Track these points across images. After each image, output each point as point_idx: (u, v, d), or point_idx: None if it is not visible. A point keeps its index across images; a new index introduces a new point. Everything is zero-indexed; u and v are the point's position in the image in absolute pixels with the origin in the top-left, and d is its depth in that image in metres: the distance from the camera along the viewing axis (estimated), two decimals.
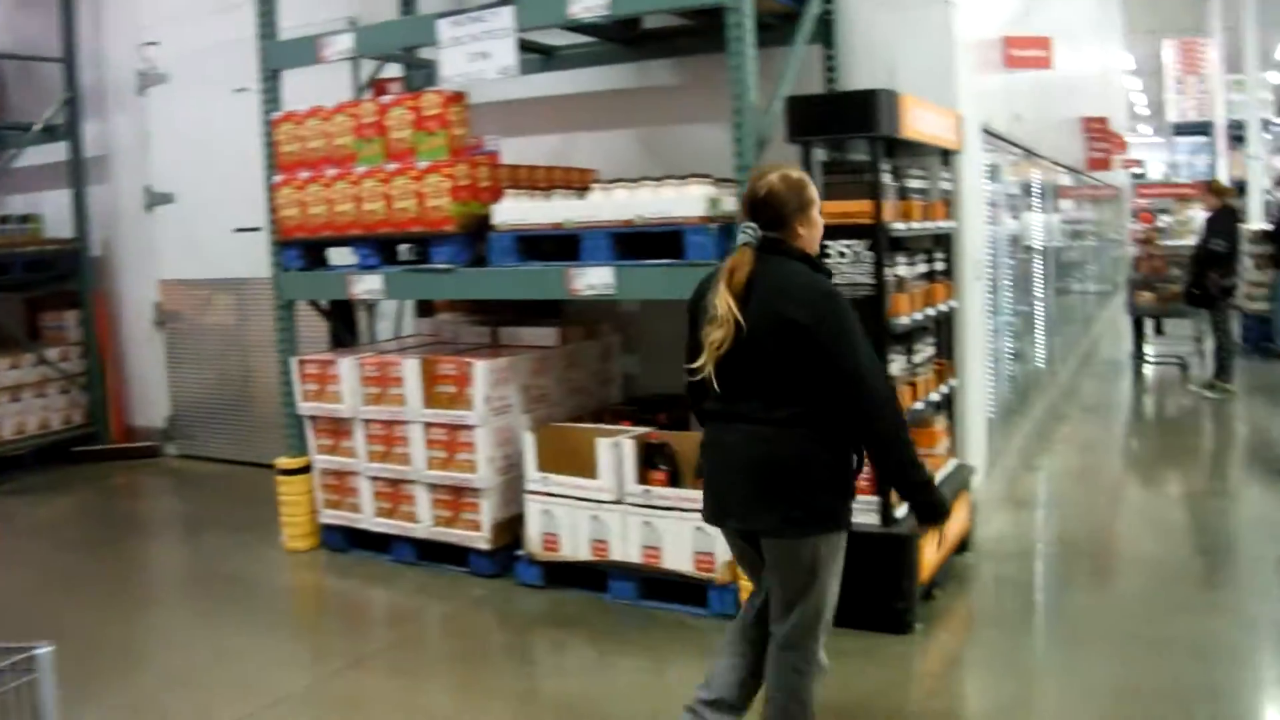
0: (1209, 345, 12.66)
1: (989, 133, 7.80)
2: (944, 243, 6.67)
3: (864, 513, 5.74)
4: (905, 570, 5.74)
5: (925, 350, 6.35)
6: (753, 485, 3.76)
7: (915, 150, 6.46)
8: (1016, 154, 9.06)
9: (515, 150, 7.66)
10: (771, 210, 3.83)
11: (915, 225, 6.02)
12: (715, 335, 3.74)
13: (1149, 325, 14.53)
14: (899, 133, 5.68)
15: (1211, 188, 12.64)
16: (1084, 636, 5.64)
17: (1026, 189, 10.03)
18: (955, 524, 6.47)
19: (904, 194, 5.99)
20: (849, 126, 5.68)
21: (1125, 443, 10.62)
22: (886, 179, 5.73)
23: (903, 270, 5.93)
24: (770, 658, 3.94)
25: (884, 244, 5.60)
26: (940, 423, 6.60)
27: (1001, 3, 8.86)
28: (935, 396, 6.35)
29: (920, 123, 5.97)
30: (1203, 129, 33.69)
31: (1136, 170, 45.54)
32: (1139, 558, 7.03)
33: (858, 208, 5.60)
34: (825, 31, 6.95)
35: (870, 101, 5.60)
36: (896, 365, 5.84)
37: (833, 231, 5.63)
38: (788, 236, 3.84)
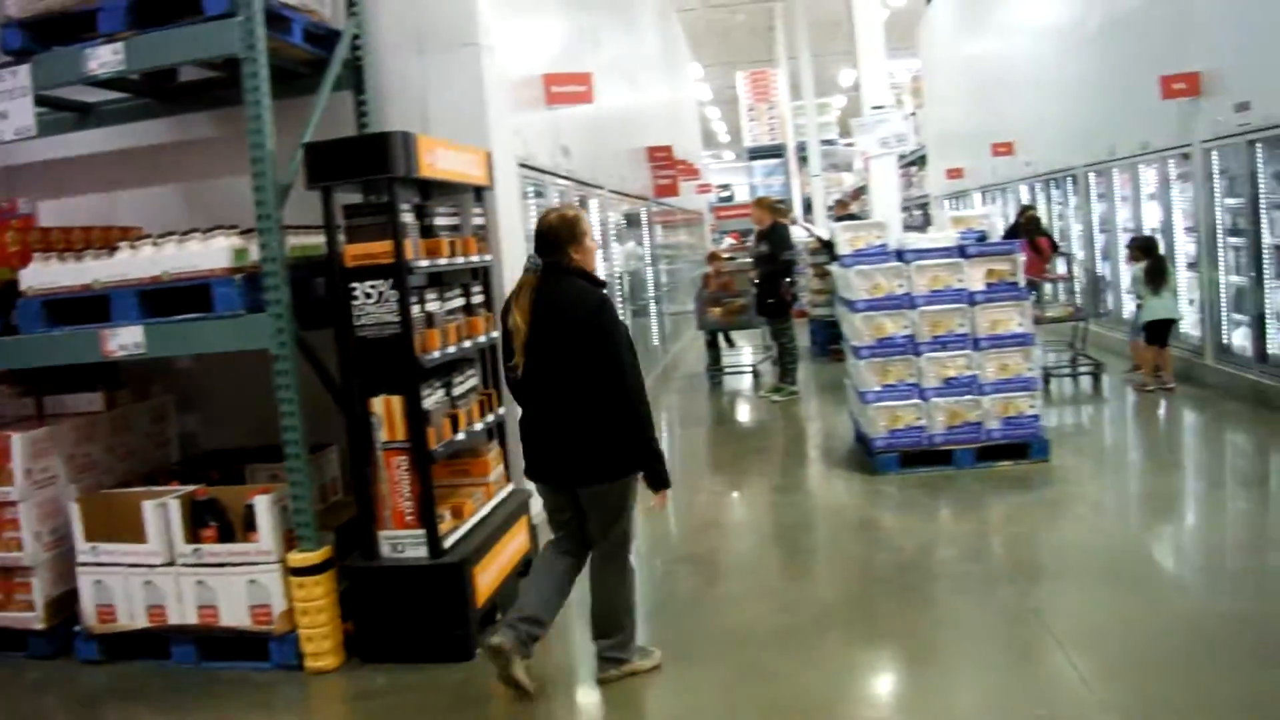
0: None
1: (529, 167, 8.13)
2: (483, 276, 6.89)
3: (412, 546, 5.86)
4: (460, 598, 5.89)
5: (468, 382, 6.55)
6: (566, 450, 5.11)
7: (448, 189, 6.66)
8: (565, 185, 9.47)
9: (58, 212, 7.33)
10: (548, 241, 5.15)
11: (444, 262, 6.19)
12: (516, 341, 5.12)
13: (723, 338, 15.53)
14: (416, 173, 5.84)
15: (764, 204, 13.49)
16: (666, 643, 5.86)
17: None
18: (513, 546, 6.69)
19: (431, 232, 6.16)
20: (365, 169, 5.78)
21: (703, 450, 11.27)
22: (409, 218, 5.89)
23: (434, 306, 6.10)
24: (594, 570, 5.34)
25: (407, 282, 5.75)
26: (492, 451, 6.82)
27: (543, 42, 9.28)
28: (480, 426, 6.55)
29: (441, 162, 6.16)
30: (776, 151, 36.27)
31: (725, 194, 48.52)
32: (723, 560, 7.55)
33: (379, 248, 5.72)
34: (356, 78, 7.06)
35: (384, 144, 5.75)
36: (433, 399, 5.99)
37: (358, 273, 5.76)
38: (563, 259, 5.11)
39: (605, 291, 5.20)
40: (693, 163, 21.55)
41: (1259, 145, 10.35)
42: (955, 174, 23.88)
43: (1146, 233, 12.92)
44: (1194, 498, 8.24)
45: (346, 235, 5.84)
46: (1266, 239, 10.46)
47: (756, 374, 14.24)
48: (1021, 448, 8.80)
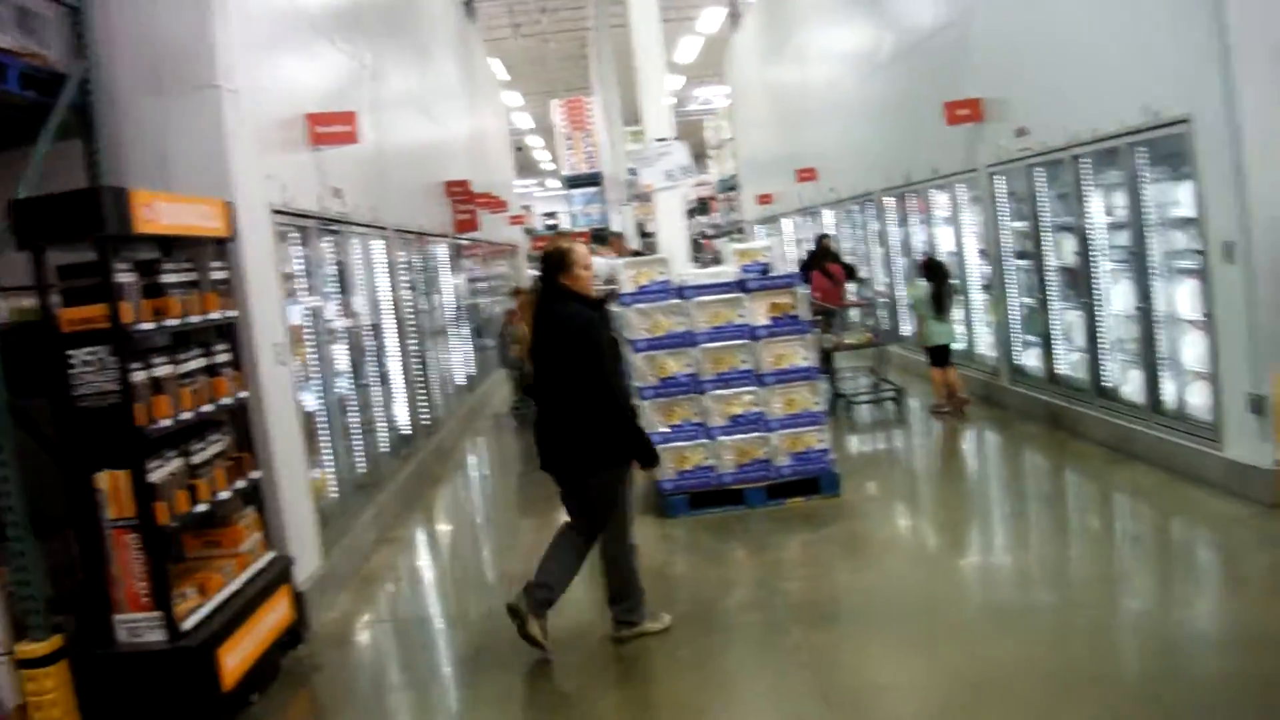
0: None
1: (289, 212, 7.73)
2: (228, 332, 6.46)
3: (149, 630, 5.42)
4: (202, 683, 5.45)
5: (212, 447, 6.09)
6: (563, 446, 6.07)
7: (186, 243, 6.22)
8: (338, 229, 9.07)
9: None
10: (546, 267, 6.12)
11: (175, 322, 5.74)
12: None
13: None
14: (131, 230, 5.35)
15: (605, 239, 13.30)
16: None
17: (362, 262, 10.07)
18: (270, 618, 6.28)
19: (160, 290, 5.70)
20: (74, 228, 5.29)
21: (504, 495, 10.94)
22: (128, 278, 5.44)
23: (165, 370, 5.63)
24: (603, 548, 6.23)
25: (128, 347, 5.31)
26: (246, 518, 6.38)
27: (307, 80, 8.87)
28: (227, 494, 6.11)
29: (164, 216, 5.65)
30: (594, 180, 36.20)
31: (550, 222, 48.33)
32: (485, 616, 7.19)
33: (95, 312, 5.26)
34: (85, 125, 6.54)
35: (92, 201, 5.27)
36: (165, 470, 5.52)
37: (74, 339, 5.30)
38: (557, 283, 6.06)
39: (595, 312, 6.08)
40: (498, 195, 21.20)
41: (1038, 170, 10.55)
42: (765, 200, 24.12)
43: (933, 255, 13.12)
44: (981, 529, 8.21)
45: (62, 298, 5.38)
46: (1051, 261, 10.67)
47: None
48: (813, 483, 8.72)
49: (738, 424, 8.67)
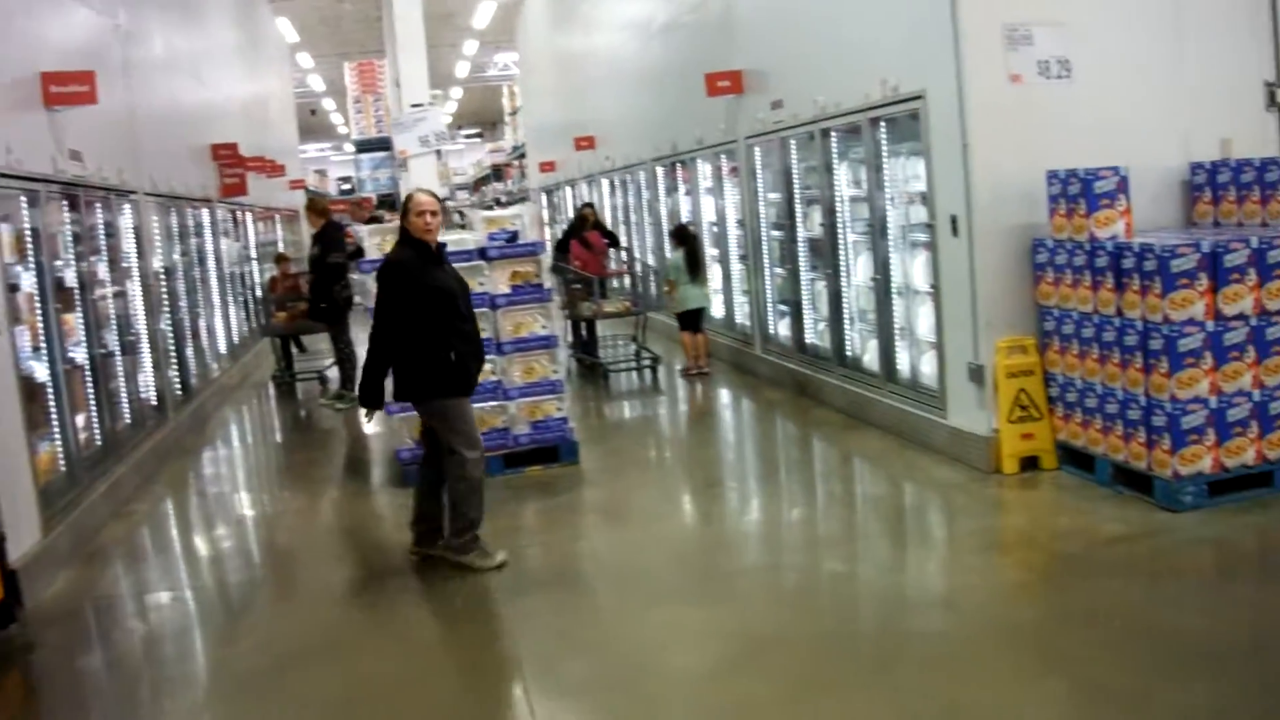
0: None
1: (11, 175, 7.25)
2: None
3: None
4: None
5: None
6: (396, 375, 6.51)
7: None
8: (77, 192, 8.55)
9: None
10: (401, 213, 6.61)
11: None
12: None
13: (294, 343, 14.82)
14: None
15: (315, 206, 12.84)
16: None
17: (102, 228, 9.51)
18: None
19: None
20: None
21: (253, 464, 10.55)
22: None
23: None
24: (447, 469, 6.51)
25: None
26: None
27: (42, 40, 8.34)
28: None
29: None
30: (384, 144, 35.32)
31: (346, 187, 47.16)
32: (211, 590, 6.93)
33: None
34: None
35: None
36: None
37: None
38: (402, 226, 6.51)
39: (423, 258, 6.41)
40: (277, 159, 20.52)
41: (792, 142, 10.71)
42: (548, 167, 23.98)
43: (684, 223, 13.32)
44: (712, 496, 8.23)
45: None
46: (801, 233, 10.86)
47: (324, 379, 13.54)
48: (552, 451, 8.66)
49: (476, 393, 8.50)
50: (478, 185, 54.98)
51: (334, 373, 13.04)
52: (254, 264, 18.49)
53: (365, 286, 8.43)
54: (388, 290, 6.36)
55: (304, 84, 37.82)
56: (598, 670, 5.25)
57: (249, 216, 18.26)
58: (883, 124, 8.83)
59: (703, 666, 5.14)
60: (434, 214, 6.41)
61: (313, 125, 46.73)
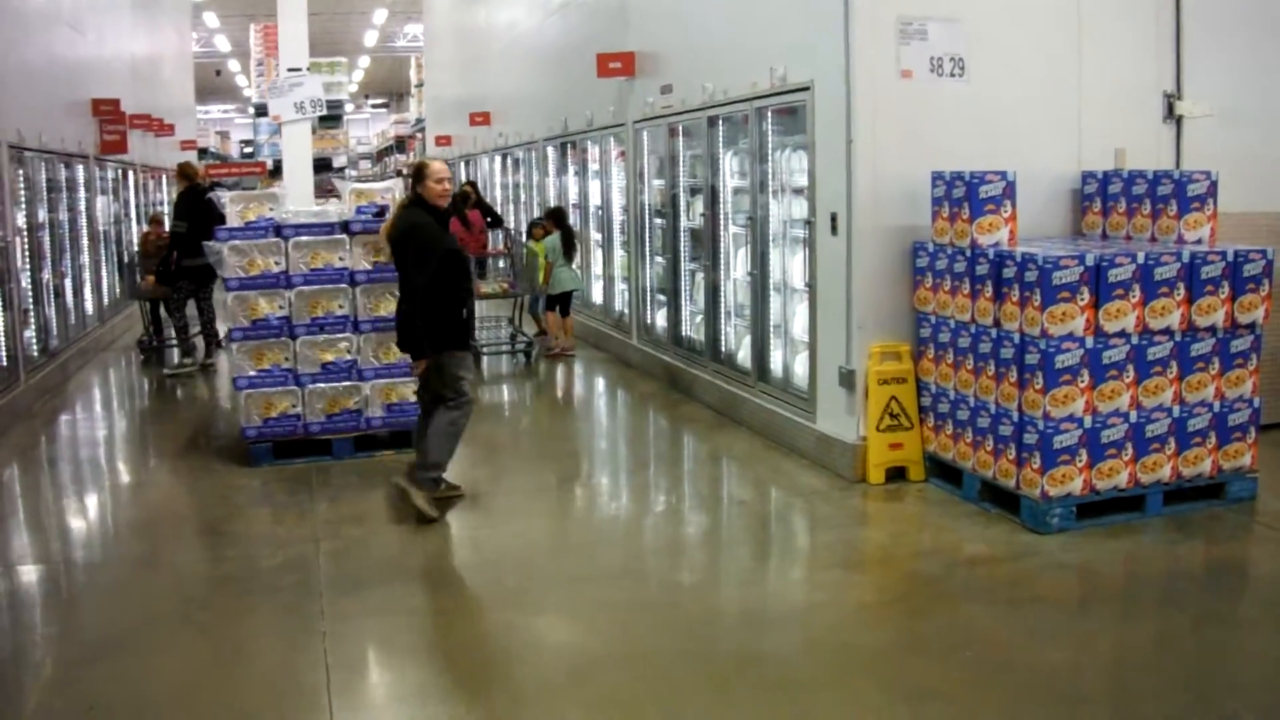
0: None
1: None
2: None
3: None
4: None
5: None
6: (408, 330, 6.79)
7: None
8: None
9: None
10: (415, 178, 6.87)
11: None
12: (382, 247, 7.50)
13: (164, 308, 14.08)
14: None
15: (182, 171, 12.40)
16: None
17: None
18: None
19: None
20: None
21: (97, 437, 9.85)
22: None
23: None
24: (437, 415, 6.80)
25: None
26: None
27: None
28: None
29: None
30: None
31: (248, 150, 45.88)
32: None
33: None
34: None
35: None
36: None
37: None
38: (417, 191, 6.80)
39: (422, 221, 6.75)
40: (165, 118, 19.67)
41: (680, 129, 10.34)
42: (444, 141, 23.35)
43: (557, 205, 13.09)
44: (557, 491, 7.80)
45: None
46: (683, 222, 10.49)
47: (188, 348, 12.82)
48: (405, 435, 8.15)
49: (329, 372, 8.02)
50: (380, 156, 54.07)
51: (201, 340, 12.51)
52: (132, 224, 17.62)
53: (221, 257, 7.92)
54: (421, 250, 6.65)
55: (210, 44, 36.75)
56: (414, 680, 4.81)
57: (130, 175, 17.40)
58: (770, 115, 8.48)
59: (529, 682, 4.72)
60: (450, 180, 6.92)
61: (217, 86, 45.49)
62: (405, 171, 6.07)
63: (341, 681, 4.69)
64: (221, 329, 10.24)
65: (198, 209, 11.52)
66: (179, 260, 11.83)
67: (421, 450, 6.87)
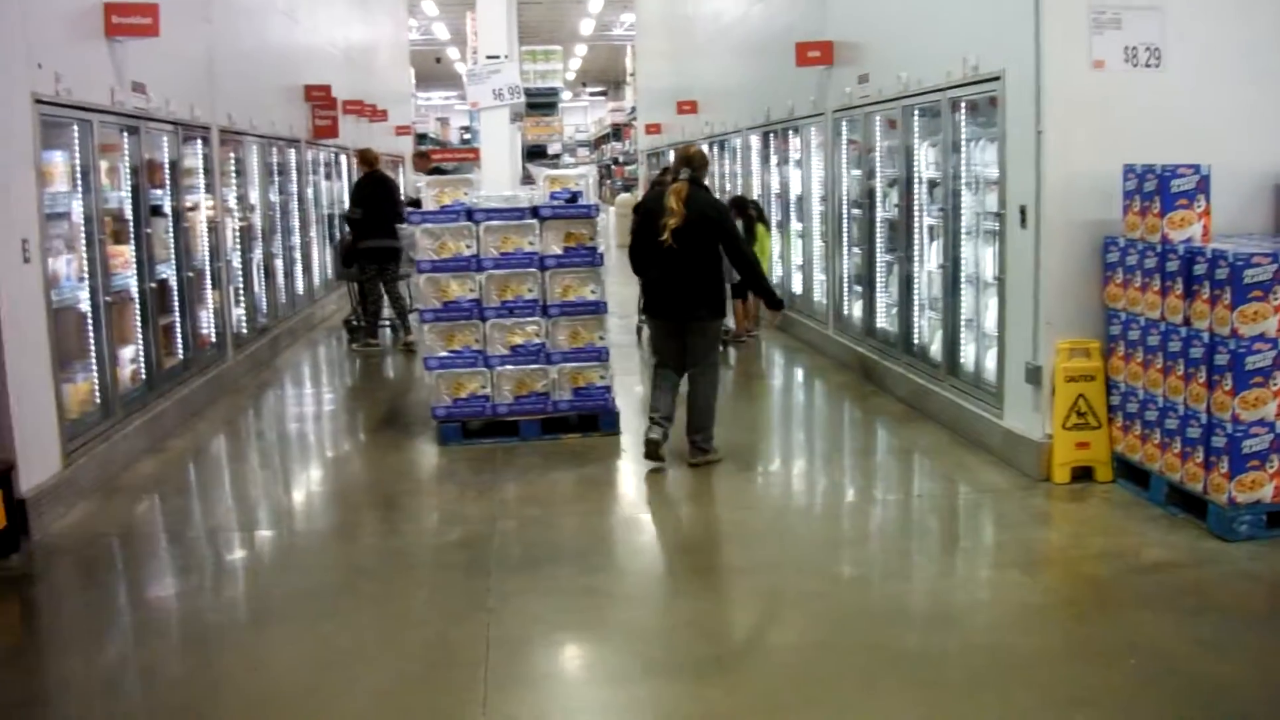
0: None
1: (69, 105, 7.26)
2: None
3: None
4: None
5: None
6: (687, 298, 7.42)
7: None
8: (136, 125, 8.56)
9: None
10: (695, 164, 7.54)
11: None
12: (670, 221, 7.29)
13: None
14: None
15: (363, 156, 12.93)
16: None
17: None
18: None
19: None
20: None
21: (296, 414, 10.49)
22: None
23: None
24: (693, 380, 7.62)
25: None
26: None
27: None
28: None
29: None
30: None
31: (467, 136, 47.34)
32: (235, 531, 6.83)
33: None
34: None
35: None
36: None
37: None
38: (701, 177, 7.58)
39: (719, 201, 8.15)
40: (380, 105, 20.55)
41: (876, 118, 10.28)
42: (654, 129, 23.67)
43: (741, 194, 13.29)
44: (745, 481, 7.81)
45: None
46: (879, 213, 10.43)
47: (394, 327, 13.46)
48: (592, 419, 8.43)
49: (518, 354, 8.33)
50: (598, 143, 55.08)
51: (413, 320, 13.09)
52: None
53: (415, 241, 8.32)
54: (727, 221, 7.61)
55: (429, 32, 37.94)
56: (573, 663, 5.02)
57: (342, 159, 18.24)
58: (962, 105, 8.37)
59: (685, 669, 4.87)
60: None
61: (438, 73, 46.96)
62: (675, 156, 6.30)
63: (500, 659, 4.90)
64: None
65: (376, 194, 12.14)
66: (354, 243, 12.38)
67: (697, 423, 7.63)
